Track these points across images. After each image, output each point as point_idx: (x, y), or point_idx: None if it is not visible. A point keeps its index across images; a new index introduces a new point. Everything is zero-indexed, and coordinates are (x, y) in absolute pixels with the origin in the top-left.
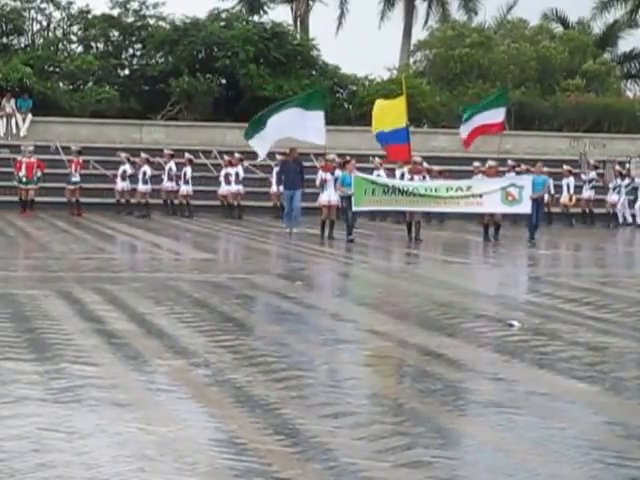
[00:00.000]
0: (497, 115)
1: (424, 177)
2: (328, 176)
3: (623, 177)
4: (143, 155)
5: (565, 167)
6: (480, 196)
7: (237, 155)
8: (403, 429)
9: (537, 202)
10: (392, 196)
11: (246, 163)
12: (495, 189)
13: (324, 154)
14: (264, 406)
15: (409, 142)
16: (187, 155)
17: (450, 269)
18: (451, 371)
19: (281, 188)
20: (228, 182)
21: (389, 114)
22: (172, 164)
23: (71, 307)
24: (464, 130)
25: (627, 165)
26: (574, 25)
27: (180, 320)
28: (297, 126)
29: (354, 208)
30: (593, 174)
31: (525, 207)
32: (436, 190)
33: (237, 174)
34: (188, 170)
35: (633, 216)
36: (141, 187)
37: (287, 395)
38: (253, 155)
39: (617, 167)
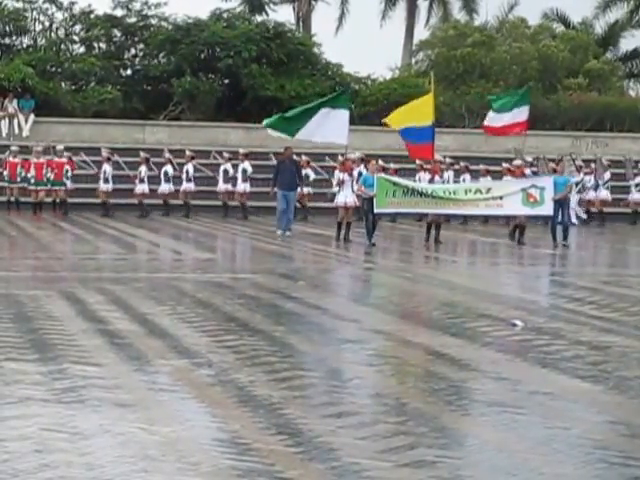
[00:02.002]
0: (521, 114)
1: (441, 176)
2: (346, 176)
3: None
4: (142, 154)
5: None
6: (500, 198)
7: (305, 157)
8: (406, 429)
9: (561, 203)
10: (412, 198)
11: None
12: (515, 190)
13: (345, 153)
14: (267, 406)
15: (433, 141)
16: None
17: (461, 270)
18: (454, 371)
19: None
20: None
21: (416, 111)
22: (190, 166)
23: (74, 307)
24: (493, 120)
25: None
26: (575, 25)
27: (183, 320)
28: (319, 128)
29: (376, 210)
30: (607, 174)
31: (547, 209)
32: (454, 193)
33: (245, 171)
34: (190, 167)
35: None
36: (139, 187)
37: (290, 395)
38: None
39: (551, 164)
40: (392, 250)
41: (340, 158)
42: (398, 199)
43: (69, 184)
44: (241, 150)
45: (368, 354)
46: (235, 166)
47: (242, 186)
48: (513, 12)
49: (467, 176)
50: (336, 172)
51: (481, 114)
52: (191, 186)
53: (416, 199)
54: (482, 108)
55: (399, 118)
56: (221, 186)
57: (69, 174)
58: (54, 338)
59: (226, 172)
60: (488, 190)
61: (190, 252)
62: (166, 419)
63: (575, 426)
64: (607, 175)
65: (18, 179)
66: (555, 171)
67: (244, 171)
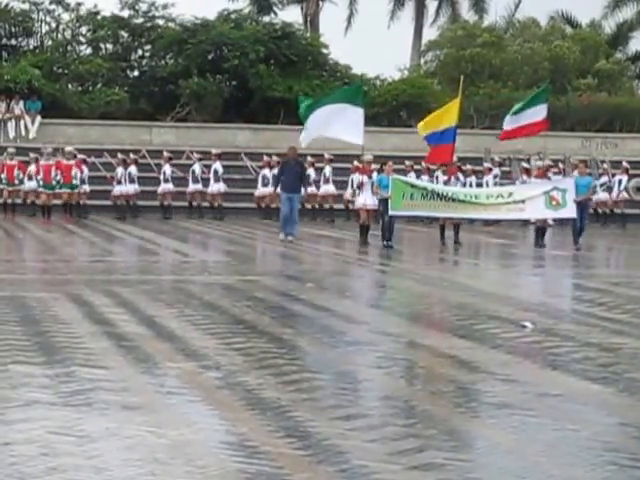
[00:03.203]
0: (540, 112)
1: (458, 178)
2: (365, 179)
3: (529, 174)
4: (132, 156)
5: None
6: (522, 202)
7: (275, 158)
8: (415, 431)
9: (581, 205)
10: (431, 201)
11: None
12: (537, 194)
13: (360, 155)
14: (275, 409)
15: (454, 142)
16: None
17: (471, 271)
18: (463, 373)
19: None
20: (265, 184)
21: (443, 115)
22: (167, 167)
23: (81, 310)
24: (509, 123)
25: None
26: (582, 25)
27: (190, 322)
28: (335, 123)
29: (390, 212)
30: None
31: (570, 211)
32: (476, 197)
33: (216, 171)
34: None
35: None
36: (130, 188)
37: (298, 397)
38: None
39: (523, 164)
40: (402, 252)
41: (356, 162)
42: (416, 202)
43: (85, 187)
44: (213, 150)
45: (377, 356)
46: (208, 166)
47: (215, 187)
48: (519, 12)
49: (473, 179)
50: (355, 174)
51: (490, 115)
52: (169, 187)
53: (435, 202)
54: (491, 109)
55: (427, 126)
56: (190, 187)
57: (78, 176)
58: (61, 341)
59: (194, 173)
60: (510, 194)
61: (198, 254)
62: (174, 422)
63: (585, 428)
64: (575, 174)
65: (16, 181)
66: (527, 170)
67: (216, 172)
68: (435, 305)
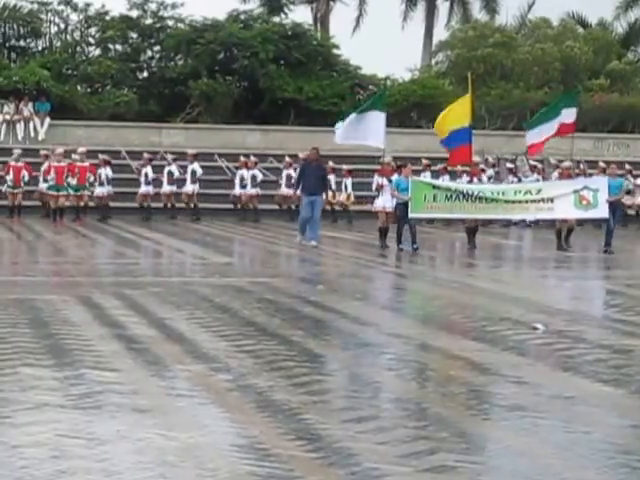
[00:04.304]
0: (569, 115)
1: (480, 179)
2: (384, 181)
3: (515, 174)
4: (145, 155)
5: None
6: (551, 200)
7: (253, 158)
8: (426, 433)
9: (613, 206)
10: (456, 202)
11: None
12: (567, 192)
13: (380, 157)
14: (286, 411)
15: (471, 143)
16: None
17: (484, 273)
18: (475, 375)
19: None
20: (243, 185)
21: (454, 114)
22: (149, 168)
23: (90, 312)
24: (533, 137)
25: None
26: (594, 26)
27: (201, 325)
28: (357, 130)
29: (410, 214)
30: (555, 175)
31: (601, 211)
32: (504, 194)
33: (254, 177)
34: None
35: None
36: (143, 189)
37: (309, 400)
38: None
39: (508, 164)
40: (416, 254)
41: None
42: (439, 203)
43: (108, 189)
44: (189, 151)
45: (388, 358)
46: (184, 167)
47: (191, 187)
48: (532, 12)
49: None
50: (375, 176)
51: (501, 115)
52: (149, 189)
53: (461, 203)
54: (502, 109)
55: (442, 126)
56: (165, 188)
57: (92, 179)
58: (71, 343)
59: (170, 174)
60: (538, 191)
61: (211, 256)
62: (184, 425)
63: (597, 430)
64: (555, 175)
65: (22, 183)
66: (512, 171)
67: (193, 172)
68: (446, 307)
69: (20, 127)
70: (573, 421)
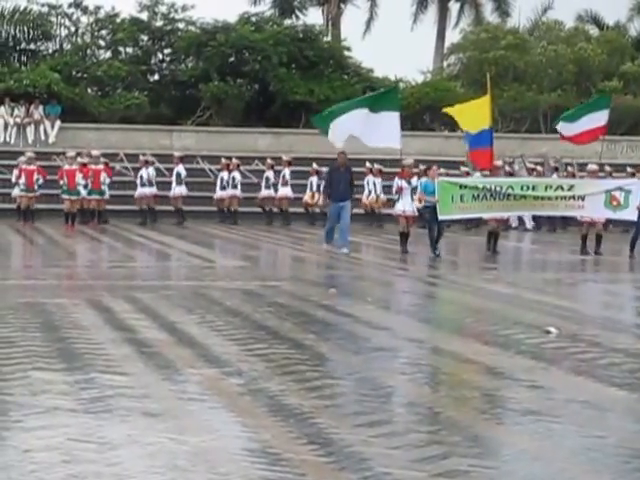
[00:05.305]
0: (601, 118)
1: None
2: (404, 184)
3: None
4: (149, 157)
5: (376, 166)
6: (582, 198)
7: (235, 160)
8: (439, 438)
9: None
10: (484, 201)
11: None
12: (599, 191)
13: (400, 159)
14: (298, 415)
15: (492, 145)
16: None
17: (497, 277)
18: (488, 379)
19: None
20: (222, 187)
21: (473, 115)
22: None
23: (101, 316)
24: (568, 129)
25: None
26: (609, 27)
27: (212, 328)
28: (369, 131)
29: (440, 217)
30: (554, 176)
31: (631, 213)
32: (534, 188)
33: (234, 179)
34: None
35: (520, 218)
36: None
37: (321, 404)
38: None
39: (506, 168)
40: (431, 258)
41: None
42: (468, 204)
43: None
44: (176, 153)
45: (400, 362)
46: (170, 169)
47: (177, 190)
48: (547, 15)
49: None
50: (395, 179)
51: (514, 118)
52: (146, 191)
53: (489, 202)
54: (515, 111)
55: (464, 121)
56: (139, 190)
57: (107, 182)
58: (81, 347)
59: (141, 177)
60: (570, 187)
61: (220, 260)
62: (195, 429)
63: (611, 435)
64: (554, 176)
65: (35, 187)
66: (511, 174)
67: (178, 175)
68: (459, 311)
69: (30, 130)
70: (587, 425)
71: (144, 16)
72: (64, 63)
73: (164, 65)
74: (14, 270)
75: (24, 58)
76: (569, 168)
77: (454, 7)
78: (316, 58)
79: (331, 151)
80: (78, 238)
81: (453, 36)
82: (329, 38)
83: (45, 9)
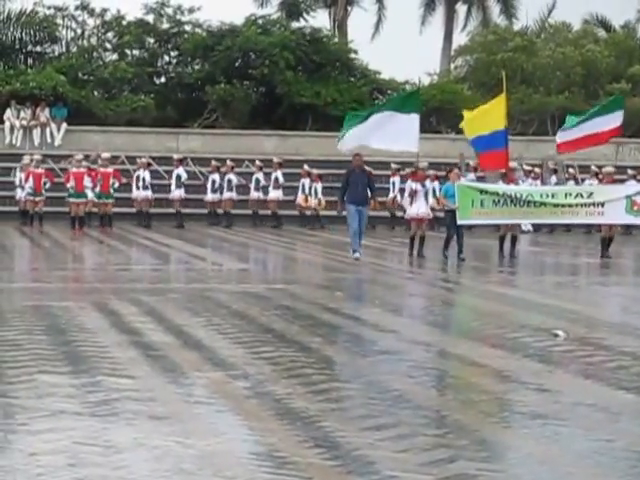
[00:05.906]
0: (615, 119)
1: (518, 185)
2: (418, 186)
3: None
4: (143, 160)
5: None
6: (602, 205)
7: (229, 162)
8: (446, 441)
9: None
10: (504, 207)
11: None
12: (619, 197)
13: (415, 162)
14: (304, 419)
15: (507, 147)
16: (229, 162)
17: (505, 280)
18: (495, 382)
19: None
20: (214, 190)
21: (488, 116)
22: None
23: (107, 319)
24: (565, 135)
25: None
26: (616, 29)
27: (218, 331)
28: (387, 134)
29: (459, 221)
30: (554, 179)
31: None
32: (554, 196)
33: (229, 181)
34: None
35: None
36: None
37: (327, 407)
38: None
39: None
40: (440, 261)
41: (421, 165)
42: (487, 209)
43: (148, 193)
44: (175, 156)
45: (407, 365)
46: (169, 172)
47: (177, 192)
48: (552, 16)
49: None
50: (408, 182)
51: (521, 120)
52: (144, 194)
53: (509, 208)
54: (522, 114)
55: (472, 126)
56: (134, 193)
57: (116, 186)
58: (87, 350)
59: (138, 179)
60: (590, 195)
61: (226, 262)
62: (202, 432)
63: (619, 438)
64: (553, 179)
65: (43, 190)
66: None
67: (178, 177)
68: (466, 314)
69: (37, 133)
70: (595, 429)
71: (150, 18)
72: (70, 65)
73: (170, 67)
74: (20, 273)
75: (30, 60)
76: (570, 170)
77: (461, 9)
78: (323, 60)
79: (337, 153)
80: (83, 241)
81: (460, 38)
82: (336, 40)
83: (51, 11)
